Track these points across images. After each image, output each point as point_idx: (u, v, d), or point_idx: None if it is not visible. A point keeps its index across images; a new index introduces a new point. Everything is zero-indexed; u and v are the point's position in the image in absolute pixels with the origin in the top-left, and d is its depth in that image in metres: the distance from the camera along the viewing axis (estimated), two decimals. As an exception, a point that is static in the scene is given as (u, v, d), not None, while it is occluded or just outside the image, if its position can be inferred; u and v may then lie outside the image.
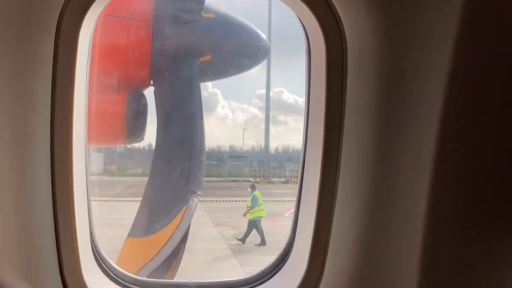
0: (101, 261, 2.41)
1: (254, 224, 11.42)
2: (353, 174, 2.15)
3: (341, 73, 2.13)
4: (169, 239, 5.30)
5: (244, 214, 11.43)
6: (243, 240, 11.53)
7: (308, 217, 2.30)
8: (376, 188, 2.05)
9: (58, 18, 2.00)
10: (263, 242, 11.38)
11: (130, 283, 2.46)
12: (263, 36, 5.58)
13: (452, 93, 1.73)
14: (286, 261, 2.50)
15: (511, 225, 1.89)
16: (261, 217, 11.36)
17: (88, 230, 2.33)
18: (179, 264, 5.46)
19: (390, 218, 2.02)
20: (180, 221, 5.30)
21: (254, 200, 11.12)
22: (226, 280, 2.54)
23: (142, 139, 5.46)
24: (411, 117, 1.89)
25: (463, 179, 1.85)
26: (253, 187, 11.70)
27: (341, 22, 2.10)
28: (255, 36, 5.44)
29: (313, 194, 2.26)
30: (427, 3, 1.79)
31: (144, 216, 5.41)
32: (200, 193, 5.42)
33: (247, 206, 11.37)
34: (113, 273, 2.44)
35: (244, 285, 2.51)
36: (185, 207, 5.31)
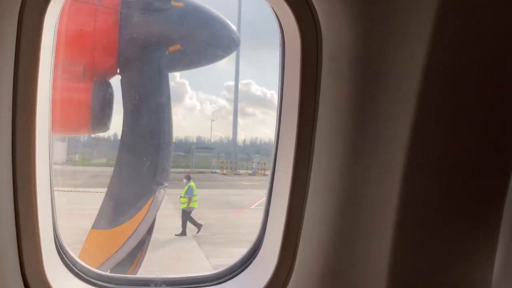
0: (64, 256, 2.33)
1: (188, 215, 11.44)
2: (325, 169, 2.13)
3: (315, 66, 2.11)
4: (134, 231, 5.23)
5: (187, 207, 11.30)
6: (183, 233, 11.49)
7: (279, 212, 2.28)
8: (349, 183, 2.05)
9: (21, 4, 1.89)
10: (199, 230, 11.63)
11: (94, 278, 2.39)
12: (233, 26, 5.54)
13: (427, 90, 1.73)
14: (256, 256, 2.47)
15: (483, 223, 1.92)
16: (193, 208, 11.36)
17: (51, 223, 2.24)
18: (144, 256, 5.41)
19: (361, 214, 2.02)
20: (146, 213, 5.24)
21: (190, 191, 11.07)
22: (195, 275, 2.50)
23: (108, 128, 5.36)
24: (386, 112, 1.88)
25: (435, 176, 1.86)
26: (188, 178, 11.62)
27: (317, 14, 2.08)
28: (226, 26, 5.39)
29: (284, 188, 2.24)
30: None
31: (109, 208, 5.32)
32: (167, 185, 5.36)
33: (181, 197, 11.28)
34: (76, 268, 2.36)
35: (213, 280, 2.47)
36: (151, 198, 5.25)
